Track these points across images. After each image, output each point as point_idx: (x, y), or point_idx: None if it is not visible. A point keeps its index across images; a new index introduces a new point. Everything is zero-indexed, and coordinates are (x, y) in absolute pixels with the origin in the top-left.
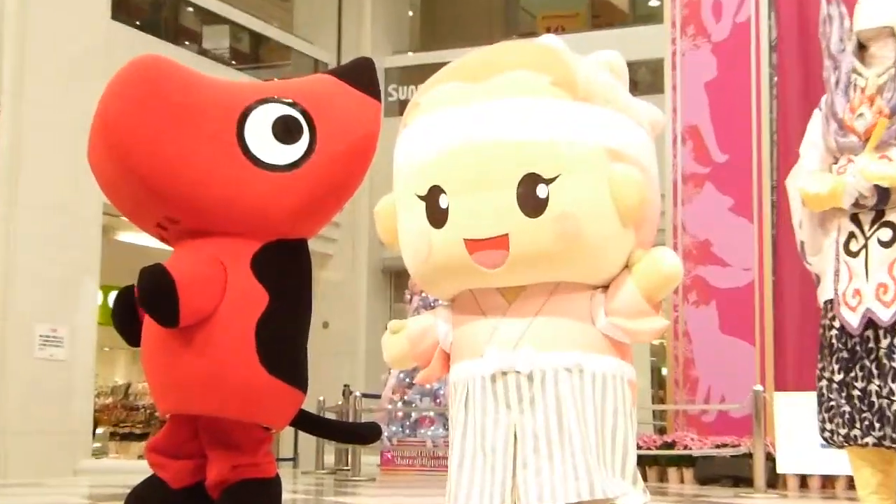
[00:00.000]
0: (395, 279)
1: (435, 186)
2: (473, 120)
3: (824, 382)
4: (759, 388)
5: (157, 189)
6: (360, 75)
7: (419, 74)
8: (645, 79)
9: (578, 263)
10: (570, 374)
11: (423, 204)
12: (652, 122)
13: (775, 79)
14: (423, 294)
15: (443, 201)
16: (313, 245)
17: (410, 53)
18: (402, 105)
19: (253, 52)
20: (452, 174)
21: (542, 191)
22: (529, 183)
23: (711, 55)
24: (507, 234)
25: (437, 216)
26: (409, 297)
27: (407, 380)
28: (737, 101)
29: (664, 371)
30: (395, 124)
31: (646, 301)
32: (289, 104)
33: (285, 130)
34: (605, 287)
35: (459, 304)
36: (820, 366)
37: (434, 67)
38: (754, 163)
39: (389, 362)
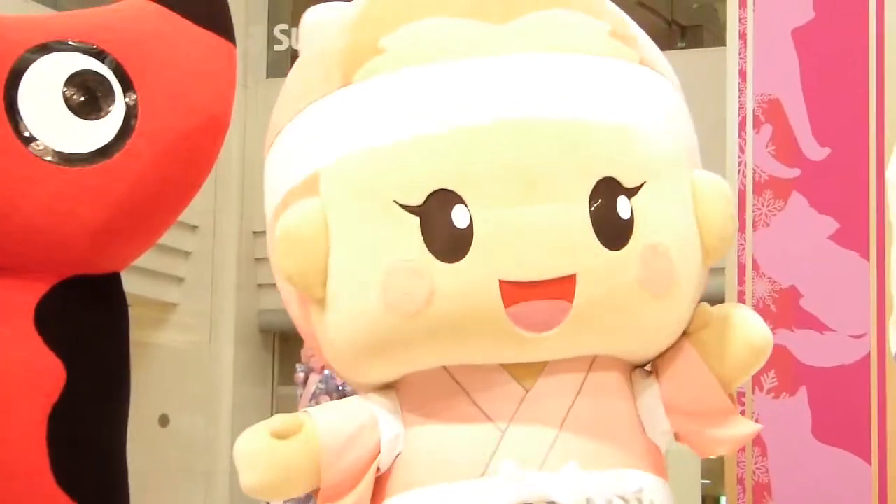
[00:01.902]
0: (281, 345)
1: (442, 191)
2: (505, 81)
3: None
4: None
5: None
6: (203, 3)
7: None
8: (695, 22)
9: (649, 324)
10: None
11: (415, 219)
12: None
13: None
14: (329, 371)
15: (459, 216)
16: (143, 288)
17: None
18: (297, 59)
19: None
20: (477, 171)
21: (623, 207)
22: (607, 193)
23: None
24: (574, 276)
25: (449, 241)
26: (301, 375)
27: None
28: (845, 59)
29: (723, 502)
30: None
31: (723, 391)
32: (92, 52)
33: (87, 97)
34: (642, 366)
35: (418, 390)
36: None
37: None
38: (872, 162)
39: (260, 488)
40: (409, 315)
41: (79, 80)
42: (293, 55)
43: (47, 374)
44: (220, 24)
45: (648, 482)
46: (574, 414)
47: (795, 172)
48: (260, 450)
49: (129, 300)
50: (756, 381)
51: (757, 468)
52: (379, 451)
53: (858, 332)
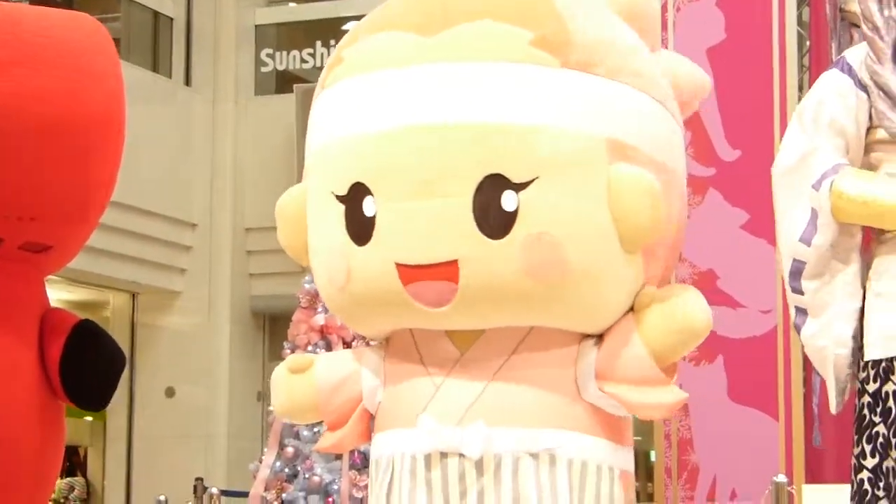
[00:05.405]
0: (271, 326)
1: (358, 184)
2: (418, 90)
3: (865, 475)
4: (782, 478)
5: None
6: None
7: (305, 34)
8: None
9: (559, 305)
10: (535, 462)
11: (341, 207)
12: (689, 88)
13: (807, 43)
14: (312, 347)
15: (368, 207)
16: (151, 278)
17: (292, 4)
18: (281, 79)
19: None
20: (383, 169)
21: (509, 200)
22: (492, 188)
23: (717, 10)
24: (455, 261)
25: (360, 227)
26: (288, 351)
27: (285, 470)
28: (752, 74)
29: (652, 455)
30: (273, 104)
31: (656, 364)
32: None
33: None
34: (600, 335)
35: (395, 348)
36: (856, 450)
37: (329, 24)
38: None
39: (281, 412)
40: (339, 289)
41: None
42: (277, 75)
43: None
44: None
45: (566, 441)
46: (499, 377)
47: (711, 171)
48: (278, 380)
49: (140, 289)
50: None
51: (681, 426)
52: (362, 398)
53: (766, 308)
